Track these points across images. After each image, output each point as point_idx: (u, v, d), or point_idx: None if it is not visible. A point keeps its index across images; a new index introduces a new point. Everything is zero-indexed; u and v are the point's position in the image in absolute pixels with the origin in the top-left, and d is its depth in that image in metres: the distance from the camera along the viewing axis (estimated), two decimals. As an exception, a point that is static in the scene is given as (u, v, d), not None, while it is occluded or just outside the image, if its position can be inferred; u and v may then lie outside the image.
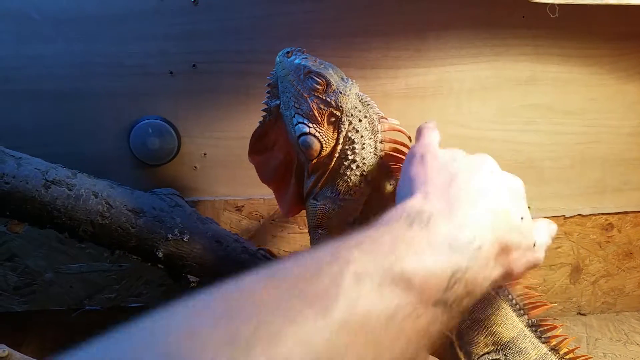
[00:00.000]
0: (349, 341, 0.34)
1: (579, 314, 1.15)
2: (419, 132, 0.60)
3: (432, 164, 0.52)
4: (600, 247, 1.12)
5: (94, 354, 0.31)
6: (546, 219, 0.57)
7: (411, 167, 0.53)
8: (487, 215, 0.47)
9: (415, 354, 0.39)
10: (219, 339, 0.30)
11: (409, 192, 0.49)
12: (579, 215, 1.10)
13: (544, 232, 0.55)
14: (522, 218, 0.50)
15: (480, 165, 0.53)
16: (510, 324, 0.72)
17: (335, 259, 0.38)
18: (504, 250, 0.47)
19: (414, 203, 0.47)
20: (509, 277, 0.49)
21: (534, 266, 0.53)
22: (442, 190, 0.48)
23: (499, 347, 0.71)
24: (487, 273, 0.45)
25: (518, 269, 0.50)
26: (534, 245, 0.52)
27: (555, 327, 0.74)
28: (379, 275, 0.38)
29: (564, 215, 1.10)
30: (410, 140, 0.74)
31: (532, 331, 0.73)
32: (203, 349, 0.30)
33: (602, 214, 1.11)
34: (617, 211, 1.11)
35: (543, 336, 0.74)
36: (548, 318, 0.74)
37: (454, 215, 0.45)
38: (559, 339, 0.74)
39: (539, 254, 0.53)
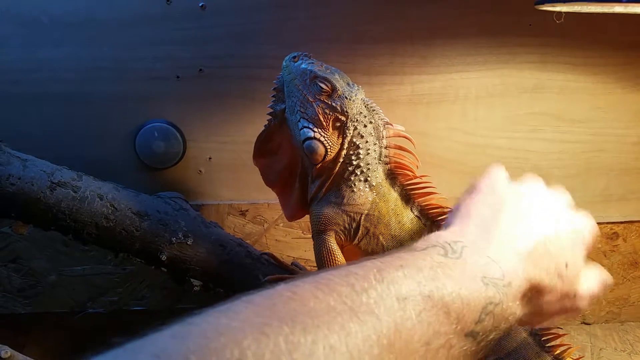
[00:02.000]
0: None
1: (583, 323, 1.14)
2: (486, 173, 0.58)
3: (482, 198, 0.52)
4: (605, 256, 1.11)
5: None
6: (601, 268, 0.55)
7: (464, 200, 0.53)
8: (522, 254, 0.47)
9: None
10: (280, 348, 0.31)
11: (450, 224, 0.50)
12: (584, 224, 1.09)
13: (592, 280, 0.53)
14: (567, 265, 0.49)
15: (540, 206, 0.52)
16: (513, 332, 0.71)
17: (382, 279, 0.38)
18: (536, 291, 0.47)
19: (448, 234, 0.47)
20: (539, 318, 0.49)
21: (571, 314, 0.52)
22: (480, 225, 0.48)
23: (501, 356, 0.71)
24: (515, 309, 0.45)
25: (550, 312, 0.49)
26: (575, 294, 0.51)
27: (559, 336, 0.73)
28: (420, 299, 0.38)
29: (569, 224, 1.09)
30: (415, 147, 0.74)
31: (536, 340, 0.72)
32: (269, 354, 0.30)
33: (608, 223, 1.10)
34: (622, 220, 1.10)
35: (546, 345, 0.73)
36: (552, 327, 0.73)
37: (486, 251, 0.45)
38: (562, 348, 0.73)
39: (580, 303, 0.52)
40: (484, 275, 0.43)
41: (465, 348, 0.41)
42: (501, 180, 0.54)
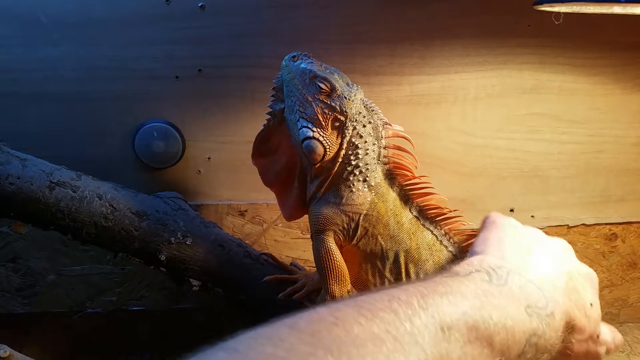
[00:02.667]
0: None
1: (583, 324, 1.14)
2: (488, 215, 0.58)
3: (508, 230, 0.52)
4: (604, 257, 1.11)
5: None
6: (612, 327, 0.55)
7: (487, 232, 0.53)
8: (560, 288, 0.46)
9: None
10: None
11: (483, 250, 0.49)
12: (583, 224, 1.10)
13: (608, 333, 0.53)
14: (591, 305, 0.50)
15: (557, 247, 0.52)
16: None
17: (426, 306, 0.37)
18: (569, 326, 0.46)
19: (490, 259, 0.46)
20: (567, 357, 0.48)
21: (592, 359, 0.51)
22: (518, 254, 0.48)
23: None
24: (555, 341, 0.44)
25: (577, 353, 0.49)
26: (598, 337, 0.50)
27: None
28: (465, 330, 0.37)
29: (567, 225, 1.09)
30: (414, 147, 0.74)
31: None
32: None
33: (606, 223, 1.10)
34: (621, 221, 1.10)
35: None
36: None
37: (530, 278, 0.45)
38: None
39: (600, 349, 0.51)
40: (528, 305, 0.42)
41: None
42: (510, 219, 0.54)
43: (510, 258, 0.47)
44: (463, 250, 0.74)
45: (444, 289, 0.40)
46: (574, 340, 0.47)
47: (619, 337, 0.55)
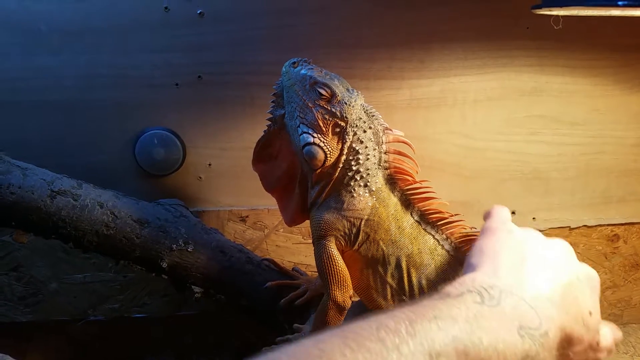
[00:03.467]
0: None
1: (585, 325, 1.14)
2: (490, 212, 0.57)
3: (504, 239, 0.51)
4: (606, 258, 1.11)
5: None
6: (612, 324, 0.54)
7: (484, 240, 0.52)
8: (556, 302, 0.46)
9: None
10: None
11: (478, 264, 0.48)
12: (585, 226, 1.10)
13: (609, 335, 0.52)
14: (590, 313, 0.49)
15: (555, 251, 0.51)
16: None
17: (414, 332, 0.37)
18: (567, 340, 0.46)
19: (483, 277, 0.46)
20: None
21: None
22: (512, 267, 0.47)
23: None
24: None
25: None
26: (598, 344, 0.49)
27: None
28: (455, 356, 0.37)
29: (569, 226, 1.09)
30: (414, 152, 0.74)
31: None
32: None
33: (608, 224, 1.10)
34: (622, 222, 1.10)
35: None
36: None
37: (523, 296, 0.44)
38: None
39: (601, 355, 0.50)
40: (521, 325, 0.41)
41: None
42: (509, 221, 0.54)
43: (503, 274, 0.46)
44: (464, 253, 0.74)
45: (434, 312, 0.39)
46: (571, 354, 0.47)
47: (619, 335, 0.54)
